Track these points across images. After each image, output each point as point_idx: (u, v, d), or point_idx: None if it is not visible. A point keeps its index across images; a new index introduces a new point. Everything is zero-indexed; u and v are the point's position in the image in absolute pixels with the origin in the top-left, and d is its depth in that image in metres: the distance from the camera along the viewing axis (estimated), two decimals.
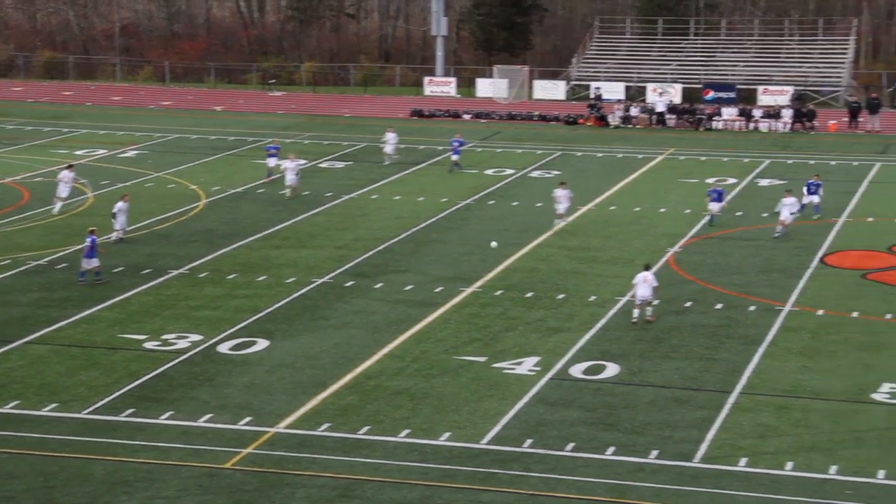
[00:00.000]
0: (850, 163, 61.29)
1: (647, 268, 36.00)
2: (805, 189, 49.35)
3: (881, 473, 25.59)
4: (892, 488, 24.99)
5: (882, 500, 24.47)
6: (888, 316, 36.25)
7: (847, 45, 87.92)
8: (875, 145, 66.74)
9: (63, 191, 50.55)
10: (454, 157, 60.10)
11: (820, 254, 43.42)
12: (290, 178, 53.46)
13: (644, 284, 35.19)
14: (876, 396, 30.01)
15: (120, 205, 45.09)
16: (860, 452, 26.69)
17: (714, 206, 48.07)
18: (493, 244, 36.71)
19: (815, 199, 48.99)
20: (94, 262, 39.81)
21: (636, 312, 35.30)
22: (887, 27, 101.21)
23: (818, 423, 28.43)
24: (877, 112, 72.83)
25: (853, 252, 43.66)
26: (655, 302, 35.80)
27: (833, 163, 61.48)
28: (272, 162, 57.75)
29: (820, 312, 36.75)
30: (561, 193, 47.99)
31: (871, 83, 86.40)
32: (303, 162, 53.40)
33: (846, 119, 73.42)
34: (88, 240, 39.96)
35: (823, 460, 26.27)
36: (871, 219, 48.84)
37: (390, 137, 62.57)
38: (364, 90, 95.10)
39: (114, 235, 44.95)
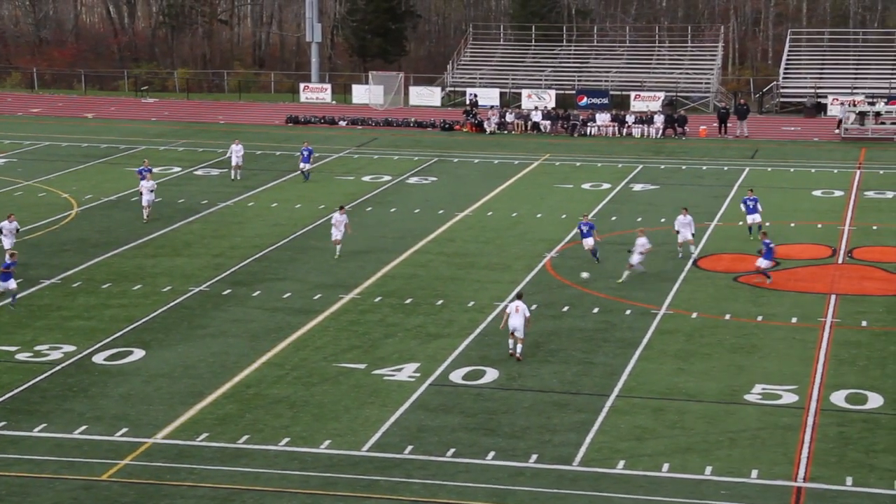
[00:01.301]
0: (721, 167, 62.48)
1: (519, 297, 34.04)
2: (742, 207, 47.38)
3: (754, 473, 26.10)
4: (765, 487, 25.51)
5: (755, 499, 24.96)
6: (759, 318, 37.01)
7: (715, 51, 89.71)
8: (745, 150, 68.17)
9: None
10: (303, 166, 58.97)
11: (693, 257, 44.13)
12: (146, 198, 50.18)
13: (516, 314, 33.02)
14: (748, 397, 30.60)
15: (5, 224, 42.84)
16: (734, 453, 27.19)
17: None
18: (585, 275, 34.56)
19: (757, 217, 46.72)
20: (11, 285, 37.54)
21: (511, 342, 33.28)
22: (753, 34, 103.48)
23: (693, 424, 28.90)
24: (745, 118, 74.36)
25: (725, 255, 44.52)
26: (522, 337, 33.24)
27: (704, 167, 62.60)
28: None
29: (694, 315, 37.38)
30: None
31: (740, 89, 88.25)
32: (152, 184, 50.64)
33: (716, 125, 74.84)
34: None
35: (699, 461, 26.71)
36: (741, 222, 49.79)
37: (236, 149, 59.38)
38: (239, 97, 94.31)
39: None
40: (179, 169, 62.01)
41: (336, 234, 44.22)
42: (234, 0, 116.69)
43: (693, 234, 43.88)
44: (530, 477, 25.94)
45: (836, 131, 72.84)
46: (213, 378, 31.71)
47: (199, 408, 29.63)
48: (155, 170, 55.52)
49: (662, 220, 50.11)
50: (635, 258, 40.91)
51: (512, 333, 33.19)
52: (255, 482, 25.46)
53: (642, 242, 41.07)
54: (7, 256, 38.32)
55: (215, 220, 50.51)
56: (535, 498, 24.98)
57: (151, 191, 50.24)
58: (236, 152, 59.23)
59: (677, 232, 44.05)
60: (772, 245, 40.54)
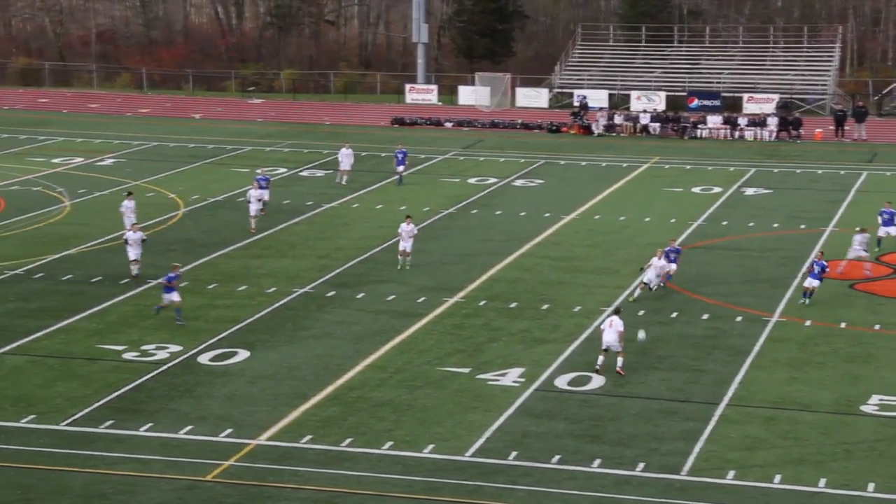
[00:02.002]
0: (837, 171, 61.09)
1: (617, 312, 32.82)
2: (879, 219, 45.37)
3: (871, 486, 25.25)
4: (881, 501, 24.66)
5: None
6: (877, 326, 35.93)
7: (832, 52, 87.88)
8: (862, 154, 66.58)
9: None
10: (399, 168, 58.43)
11: (807, 263, 43.09)
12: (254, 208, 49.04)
13: (610, 329, 31.97)
14: (865, 408, 29.67)
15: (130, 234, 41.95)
16: (849, 465, 26.34)
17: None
18: (641, 335, 33.48)
19: (893, 230, 44.77)
20: (175, 297, 36.50)
21: (601, 359, 32.04)
22: (873, 34, 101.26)
23: (807, 434, 28.07)
24: (863, 120, 72.69)
25: (840, 262, 43.37)
26: (620, 350, 32.05)
27: (820, 171, 61.26)
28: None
29: (807, 323, 36.41)
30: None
31: (857, 91, 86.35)
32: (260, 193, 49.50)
33: (832, 127, 73.27)
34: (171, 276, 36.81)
35: (812, 473, 25.91)
36: (858, 228, 48.53)
37: (346, 153, 58.59)
38: (344, 98, 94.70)
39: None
40: (285, 170, 62.27)
41: (403, 244, 42.59)
42: (340, 1, 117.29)
43: (658, 276, 39.12)
44: (637, 486, 25.37)
45: None
46: (317, 380, 31.57)
47: (302, 410, 29.51)
48: (261, 170, 55.67)
49: (775, 224, 49.04)
50: (650, 274, 38.42)
51: (605, 350, 32.05)
52: (357, 486, 25.23)
53: (661, 265, 38.71)
54: (171, 270, 37.13)
55: (320, 222, 50.56)
56: None
57: (260, 199, 48.80)
58: (346, 156, 58.80)
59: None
60: (826, 266, 38.34)
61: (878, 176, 59.91)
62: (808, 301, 37.73)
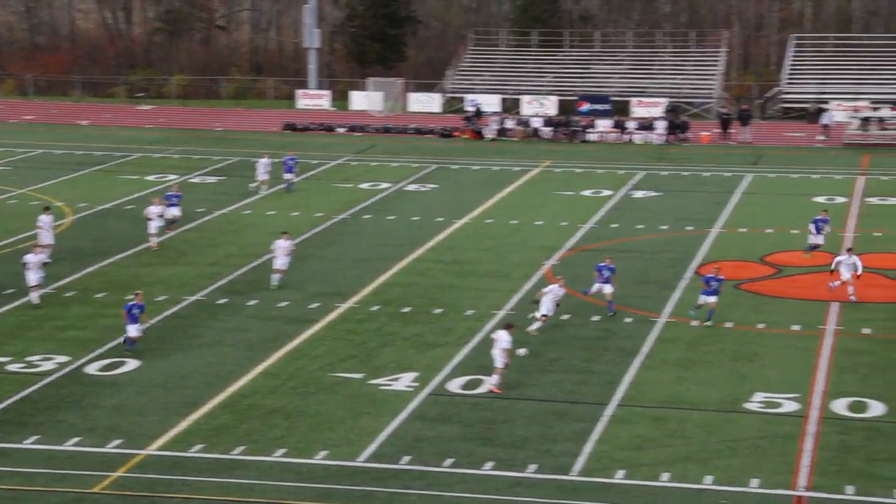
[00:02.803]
0: (723, 174, 62.13)
1: (507, 327, 31.78)
2: (812, 227, 44.90)
3: (755, 482, 25.73)
4: (765, 497, 25.15)
5: None
6: (760, 325, 36.62)
7: (718, 56, 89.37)
8: (747, 156, 67.80)
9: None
10: (287, 176, 57.66)
11: (694, 265, 43.79)
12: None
13: (495, 343, 31.46)
14: (749, 406, 30.23)
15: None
16: (734, 462, 26.82)
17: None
18: (522, 351, 32.75)
19: (821, 239, 44.45)
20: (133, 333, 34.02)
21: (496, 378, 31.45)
22: (757, 39, 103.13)
23: (693, 433, 28.52)
24: (748, 123, 74.02)
25: (726, 262, 44.07)
26: (499, 366, 31.40)
27: (706, 174, 62.25)
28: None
29: (694, 323, 36.96)
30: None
31: (742, 94, 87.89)
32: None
33: (718, 130, 74.50)
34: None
35: (698, 470, 26.34)
36: (743, 229, 49.48)
37: (264, 163, 57.47)
38: (236, 103, 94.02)
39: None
40: (176, 176, 61.67)
41: (280, 261, 40.90)
42: (231, 5, 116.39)
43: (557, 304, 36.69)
44: (529, 487, 25.57)
45: (821, 138, 72.41)
46: (208, 388, 31.33)
47: (193, 419, 29.26)
48: (150, 177, 54.97)
49: (664, 226, 49.76)
50: (547, 306, 35.71)
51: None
52: (249, 494, 25.09)
53: (559, 292, 36.15)
54: (133, 296, 34.76)
55: (211, 228, 50.15)
56: None
57: (161, 216, 46.73)
58: (264, 165, 57.42)
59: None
60: (723, 280, 37.06)
61: (762, 178, 61.05)
62: (694, 314, 36.57)
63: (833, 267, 39.08)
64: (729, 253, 45.63)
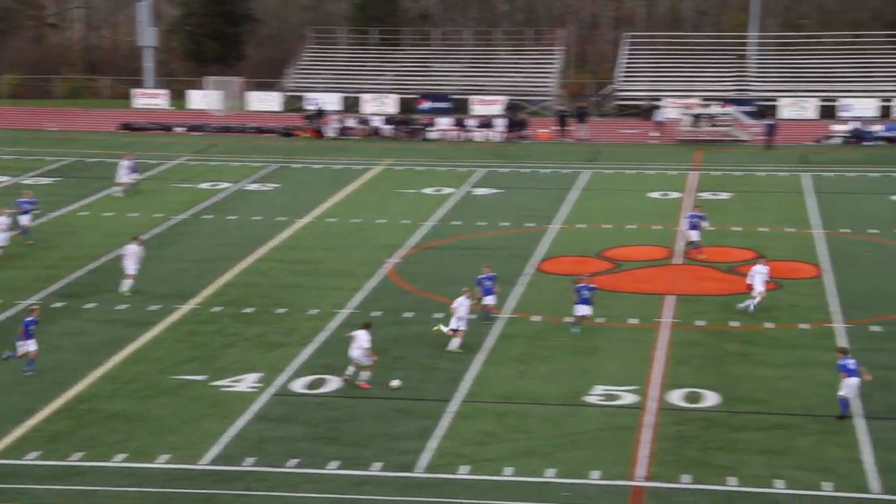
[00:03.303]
0: (561, 170, 63.07)
1: (365, 326, 31.78)
2: (686, 223, 45.10)
3: (595, 474, 26.24)
4: (605, 488, 25.67)
5: (596, 499, 25.11)
6: (600, 319, 37.29)
7: (554, 55, 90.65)
8: (584, 153, 68.93)
9: None
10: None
11: (534, 261, 44.39)
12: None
13: (353, 343, 31.43)
14: (589, 399, 30.80)
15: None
16: (575, 454, 27.32)
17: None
18: (395, 383, 32.19)
19: (695, 236, 44.44)
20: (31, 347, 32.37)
21: (350, 369, 31.71)
22: (592, 38, 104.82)
23: (536, 427, 28.96)
24: (585, 121, 75.26)
25: (566, 258, 44.84)
26: (365, 364, 31.51)
27: (545, 171, 63.12)
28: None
29: (536, 319, 37.50)
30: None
31: (579, 92, 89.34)
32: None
33: (556, 128, 75.56)
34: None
35: (541, 464, 26.76)
36: (582, 225, 50.32)
37: (125, 165, 56.01)
38: (71, 103, 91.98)
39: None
40: (7, 178, 60.11)
41: (132, 268, 39.83)
42: (63, 3, 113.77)
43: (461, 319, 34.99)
44: (375, 485, 25.68)
45: (654, 133, 74.05)
46: (45, 394, 30.67)
47: (29, 425, 28.63)
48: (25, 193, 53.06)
49: (505, 223, 50.31)
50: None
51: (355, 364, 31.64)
52: (88, 500, 24.68)
53: (462, 302, 34.68)
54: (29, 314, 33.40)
55: (46, 231, 49.03)
56: None
57: (5, 231, 44.48)
58: (125, 168, 55.95)
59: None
60: (595, 288, 36.70)
61: (600, 174, 62.15)
62: (576, 329, 35.94)
63: (748, 281, 37.78)
64: (568, 249, 46.36)
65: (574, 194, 56.73)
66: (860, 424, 28.88)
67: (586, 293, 36.09)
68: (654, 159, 66.34)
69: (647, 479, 26.08)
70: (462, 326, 34.42)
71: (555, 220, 51.10)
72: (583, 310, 36.05)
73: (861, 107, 79.29)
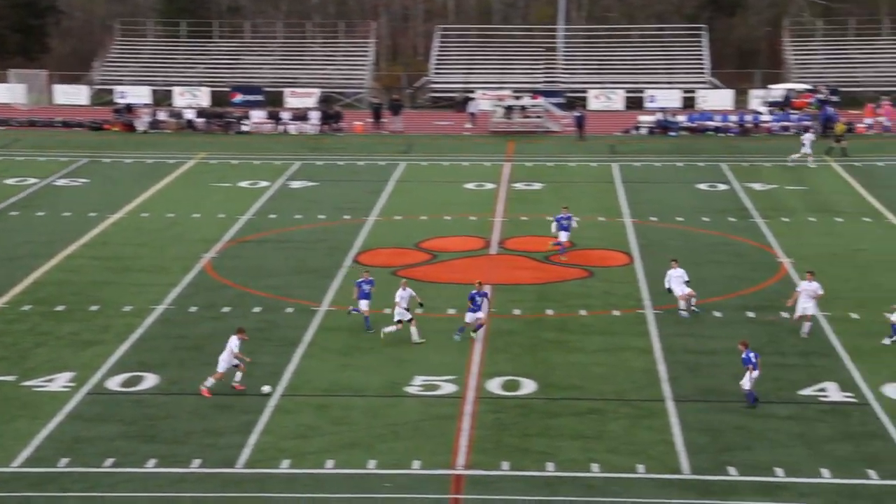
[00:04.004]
0: (377, 162, 63.21)
1: (238, 331, 30.97)
2: (555, 225, 43.92)
3: (416, 464, 26.48)
4: (426, 477, 25.93)
5: (417, 489, 25.35)
6: (418, 310, 37.48)
7: (367, 47, 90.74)
8: (399, 145, 69.23)
9: None
10: None
11: (352, 253, 44.45)
12: None
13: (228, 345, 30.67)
14: (409, 390, 31.04)
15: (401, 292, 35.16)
16: (397, 445, 27.52)
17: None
18: (266, 388, 31.12)
19: (563, 237, 43.50)
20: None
21: (238, 376, 30.82)
22: (404, 30, 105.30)
23: (357, 419, 29.06)
24: (399, 113, 75.58)
25: (384, 250, 45.00)
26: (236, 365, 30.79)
27: (361, 163, 63.17)
28: None
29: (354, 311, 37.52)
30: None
31: (392, 84, 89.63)
32: None
33: (371, 120, 75.68)
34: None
35: (363, 455, 26.89)
36: (399, 217, 50.57)
37: None
38: None
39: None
40: None
41: None
42: None
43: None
44: (194, 482, 25.44)
45: (468, 125, 74.85)
46: None
47: None
48: None
49: (321, 216, 50.23)
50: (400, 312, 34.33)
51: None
52: None
53: (403, 294, 34.78)
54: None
55: None
56: (200, 503, 24.49)
57: None
58: None
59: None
60: (487, 295, 35.62)
61: (415, 166, 62.51)
62: (459, 337, 34.77)
63: (667, 285, 37.34)
64: (386, 240, 46.54)
65: (390, 186, 56.97)
66: (670, 407, 29.77)
67: (479, 300, 34.81)
68: (469, 151, 67.02)
69: (468, 467, 26.43)
70: (406, 317, 34.38)
71: (372, 213, 51.23)
72: (475, 315, 34.84)
73: (665, 98, 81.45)
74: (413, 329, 34.56)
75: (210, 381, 30.49)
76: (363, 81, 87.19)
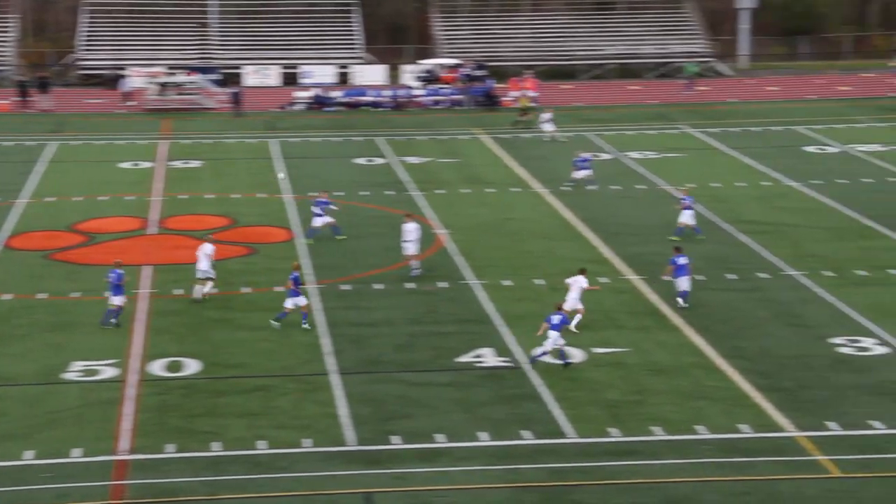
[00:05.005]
0: (25, 142, 60.84)
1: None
2: (316, 209, 42.52)
3: (77, 452, 25.85)
4: (87, 465, 25.38)
5: (79, 478, 24.76)
6: (75, 294, 36.56)
7: (9, 22, 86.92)
8: (49, 124, 66.78)
9: None
10: None
11: (2, 237, 42.73)
12: None
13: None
14: (67, 376, 30.23)
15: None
16: (56, 433, 26.81)
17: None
18: (281, 175, 28.20)
19: (319, 223, 42.31)
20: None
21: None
22: (48, 6, 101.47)
23: (12, 409, 28.15)
24: (47, 90, 72.96)
25: (36, 233, 43.47)
26: None
27: (8, 143, 60.62)
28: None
29: (7, 297, 36.20)
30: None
31: (39, 62, 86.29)
32: None
33: (17, 98, 72.71)
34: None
35: (19, 446, 26.08)
36: (51, 198, 48.92)
37: None
38: None
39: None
40: None
41: None
42: None
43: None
44: None
45: (130, 103, 73.20)
46: None
47: None
48: None
49: None
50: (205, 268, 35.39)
51: None
52: None
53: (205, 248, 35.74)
54: None
55: None
56: None
57: None
58: None
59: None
60: (299, 278, 34.88)
61: (67, 146, 60.52)
62: (277, 323, 33.84)
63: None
64: (38, 223, 44.97)
65: (41, 167, 54.99)
66: (335, 380, 30.19)
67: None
68: (123, 129, 65.43)
69: (131, 451, 25.99)
70: (211, 274, 35.73)
71: (21, 195, 49.33)
72: (297, 301, 33.89)
73: (321, 74, 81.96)
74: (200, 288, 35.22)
75: None
76: (7, 58, 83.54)
